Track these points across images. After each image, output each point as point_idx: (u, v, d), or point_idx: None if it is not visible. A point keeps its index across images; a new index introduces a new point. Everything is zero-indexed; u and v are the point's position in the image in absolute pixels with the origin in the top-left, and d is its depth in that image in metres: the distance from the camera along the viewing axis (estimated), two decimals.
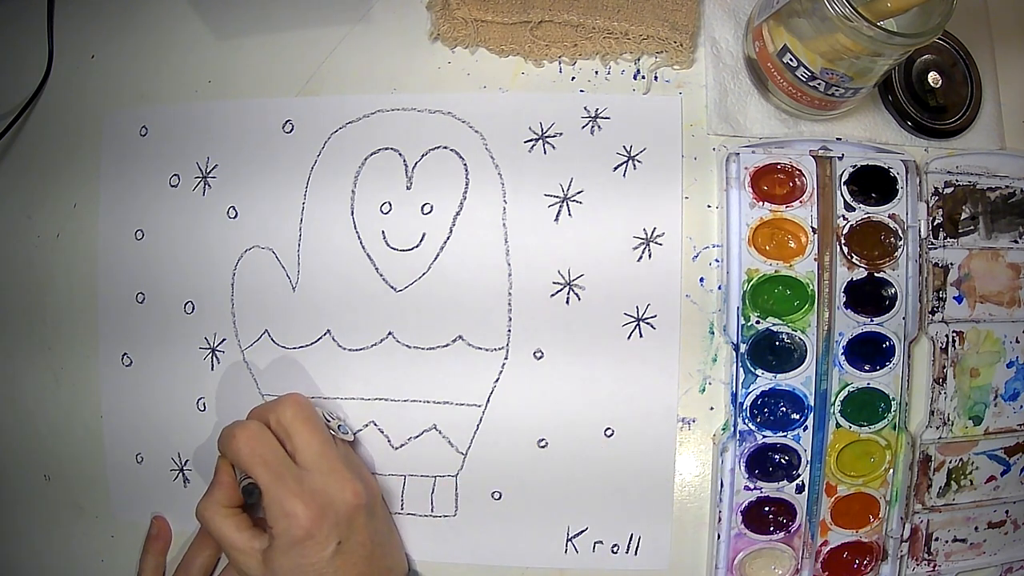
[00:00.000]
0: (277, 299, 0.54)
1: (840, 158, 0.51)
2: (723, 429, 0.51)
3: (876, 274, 0.51)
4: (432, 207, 0.53)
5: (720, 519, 0.51)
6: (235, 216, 0.55)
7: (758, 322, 0.50)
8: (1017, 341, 0.53)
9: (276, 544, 0.45)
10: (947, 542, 0.53)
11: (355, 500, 0.46)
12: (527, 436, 0.52)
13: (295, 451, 0.47)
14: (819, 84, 0.48)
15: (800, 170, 0.51)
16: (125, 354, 0.57)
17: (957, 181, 0.52)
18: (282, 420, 0.47)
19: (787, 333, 0.50)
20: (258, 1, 0.57)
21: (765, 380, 0.50)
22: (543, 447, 0.52)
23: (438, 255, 0.53)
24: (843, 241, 0.50)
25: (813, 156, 0.51)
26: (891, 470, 0.51)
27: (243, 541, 0.47)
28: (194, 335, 0.55)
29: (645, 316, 0.52)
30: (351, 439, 0.52)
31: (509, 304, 0.52)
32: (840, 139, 0.53)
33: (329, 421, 0.50)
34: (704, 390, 0.52)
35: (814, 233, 0.50)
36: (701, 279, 0.52)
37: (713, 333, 0.52)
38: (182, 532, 0.55)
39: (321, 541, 0.45)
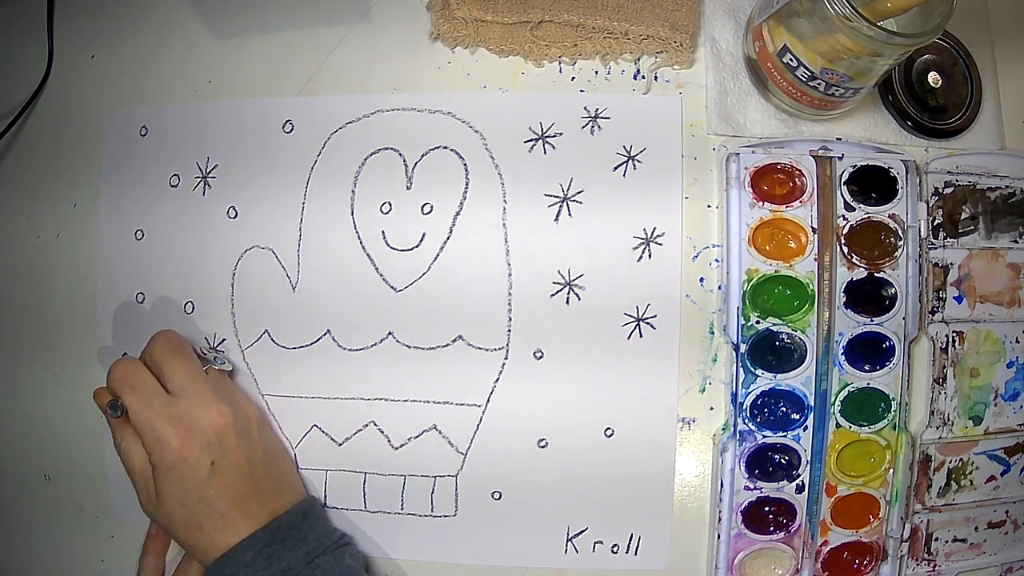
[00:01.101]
0: (277, 299, 0.54)
1: (840, 158, 0.51)
2: (723, 429, 0.51)
3: (876, 274, 0.51)
4: (432, 207, 0.53)
5: (720, 519, 0.51)
6: (235, 216, 0.55)
7: (758, 322, 0.50)
8: (1017, 341, 0.53)
9: (156, 472, 0.47)
10: (947, 542, 0.53)
11: (221, 420, 0.48)
12: (527, 436, 0.52)
13: (166, 381, 0.49)
14: (819, 84, 0.48)
15: (800, 170, 0.51)
16: (125, 354, 0.56)
17: (957, 181, 0.52)
18: (152, 354, 0.50)
19: (787, 333, 0.50)
20: (258, 1, 0.57)
21: (765, 380, 0.50)
22: (543, 447, 0.52)
23: (438, 255, 0.53)
24: (843, 241, 0.50)
25: (813, 156, 0.51)
26: (891, 470, 0.51)
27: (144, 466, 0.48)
28: (194, 335, 0.55)
29: (645, 316, 0.52)
30: (229, 368, 0.53)
31: (509, 304, 0.52)
32: (840, 139, 0.53)
33: (205, 354, 0.52)
34: (704, 390, 0.52)
35: (814, 233, 0.50)
36: (701, 279, 0.52)
37: (713, 333, 0.52)
38: None
39: (193, 463, 0.46)
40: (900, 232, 0.51)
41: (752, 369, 0.50)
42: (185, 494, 0.46)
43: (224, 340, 0.55)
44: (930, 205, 0.52)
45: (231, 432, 0.48)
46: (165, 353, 0.49)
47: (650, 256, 0.52)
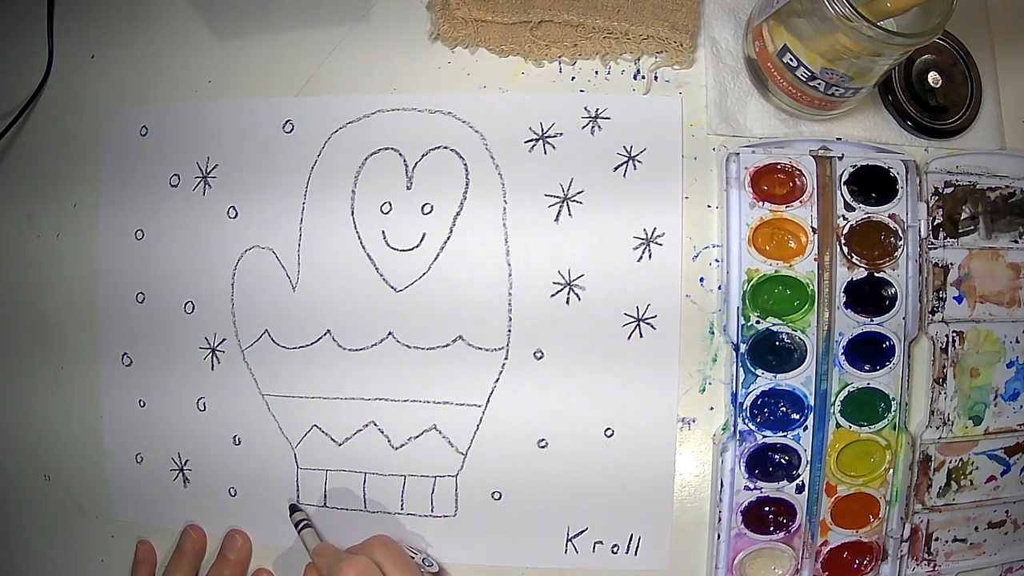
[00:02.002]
0: (277, 299, 0.54)
1: (840, 158, 0.51)
2: (723, 429, 0.51)
3: (876, 274, 0.51)
4: (432, 207, 0.53)
5: (720, 519, 0.51)
6: (235, 216, 0.55)
7: (758, 322, 0.50)
8: (1017, 341, 0.52)
9: None
10: (947, 542, 0.53)
11: None
12: (527, 436, 0.52)
13: None
14: (819, 84, 0.48)
15: (800, 170, 0.51)
16: (125, 354, 0.57)
17: (957, 181, 0.52)
18: (373, 557, 0.47)
19: (787, 333, 0.50)
20: (258, 1, 0.57)
21: (765, 380, 0.50)
22: (543, 447, 0.52)
23: (438, 255, 0.53)
24: (843, 241, 0.50)
25: (813, 156, 0.51)
26: (891, 470, 0.51)
27: None
28: (194, 335, 0.55)
29: (645, 316, 0.52)
30: (436, 571, 0.51)
31: (509, 304, 0.52)
32: (840, 139, 0.53)
33: (414, 556, 0.50)
34: (704, 390, 0.52)
35: (814, 233, 0.50)
36: (701, 279, 0.52)
37: (713, 333, 0.52)
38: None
39: None
40: (900, 232, 0.51)
41: (752, 369, 0.50)
42: None
43: (224, 340, 0.55)
44: (930, 205, 0.52)
45: None
46: (388, 560, 0.47)
47: (650, 256, 0.52)
